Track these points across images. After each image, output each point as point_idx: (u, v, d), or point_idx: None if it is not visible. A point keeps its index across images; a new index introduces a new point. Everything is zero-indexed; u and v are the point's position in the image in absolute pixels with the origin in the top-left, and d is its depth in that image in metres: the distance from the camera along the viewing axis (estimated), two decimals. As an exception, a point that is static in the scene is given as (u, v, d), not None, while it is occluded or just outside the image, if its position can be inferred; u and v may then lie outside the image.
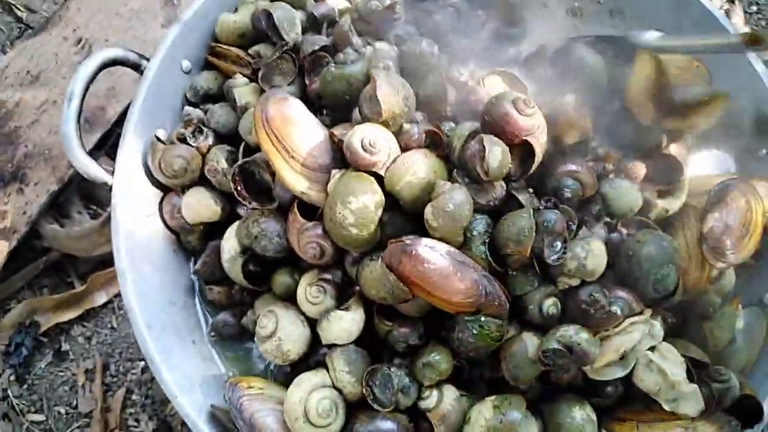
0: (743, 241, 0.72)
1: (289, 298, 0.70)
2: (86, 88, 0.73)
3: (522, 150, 0.64)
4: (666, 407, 0.63)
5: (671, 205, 0.72)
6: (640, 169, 0.69)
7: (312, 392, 0.64)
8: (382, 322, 0.65)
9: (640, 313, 0.64)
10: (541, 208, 0.63)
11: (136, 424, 1.16)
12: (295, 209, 0.66)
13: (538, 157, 0.63)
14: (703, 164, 0.77)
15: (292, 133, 0.66)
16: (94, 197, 1.23)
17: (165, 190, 0.77)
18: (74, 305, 1.18)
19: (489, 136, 0.60)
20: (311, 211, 0.67)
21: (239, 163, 0.70)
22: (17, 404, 1.15)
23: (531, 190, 0.66)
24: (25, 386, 1.16)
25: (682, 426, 0.63)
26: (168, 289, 0.75)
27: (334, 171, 0.65)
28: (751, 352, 0.73)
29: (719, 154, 0.77)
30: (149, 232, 0.75)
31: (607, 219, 0.69)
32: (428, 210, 0.60)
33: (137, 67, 0.77)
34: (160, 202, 0.77)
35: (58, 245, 1.16)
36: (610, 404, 0.67)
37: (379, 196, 0.62)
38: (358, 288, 0.67)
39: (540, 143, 0.63)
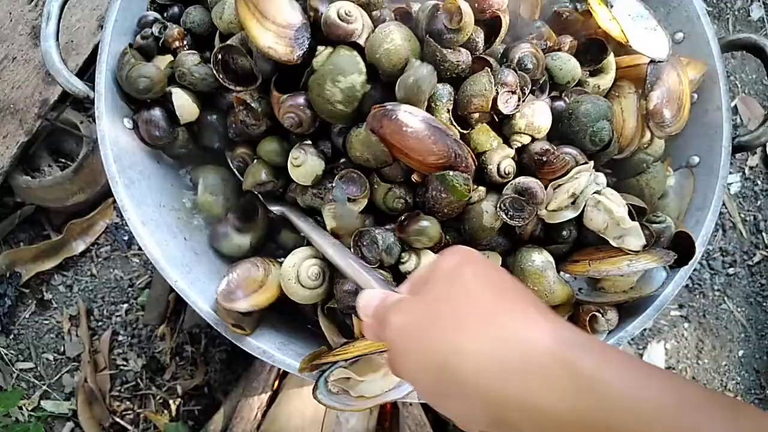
0: (680, 112, 0.82)
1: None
2: (62, 8, 0.77)
3: (487, 26, 0.73)
4: (613, 244, 0.72)
5: (602, 81, 0.81)
6: (572, 42, 0.79)
7: (305, 260, 0.71)
8: (383, 184, 0.72)
9: (585, 163, 0.73)
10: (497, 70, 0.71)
11: (125, 362, 1.20)
12: (272, 86, 0.73)
13: (504, 31, 0.72)
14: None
15: (267, 2, 0.71)
16: (62, 150, 1.26)
17: (137, 102, 0.81)
18: (53, 254, 1.21)
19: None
20: (290, 87, 0.73)
21: (218, 47, 0.75)
22: (5, 354, 1.18)
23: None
24: (11, 336, 1.19)
25: (627, 259, 0.72)
26: (156, 193, 0.80)
27: (320, 47, 0.71)
28: (682, 205, 0.84)
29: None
30: (132, 143, 0.80)
31: (552, 93, 0.78)
32: (397, 83, 0.68)
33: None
34: (134, 125, 0.81)
35: (31, 197, 1.19)
36: (567, 250, 0.76)
37: (364, 76, 0.69)
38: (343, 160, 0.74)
39: (506, 20, 0.72)
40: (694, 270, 1.40)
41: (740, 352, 1.38)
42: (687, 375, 1.34)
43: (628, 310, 0.77)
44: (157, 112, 0.80)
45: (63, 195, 1.19)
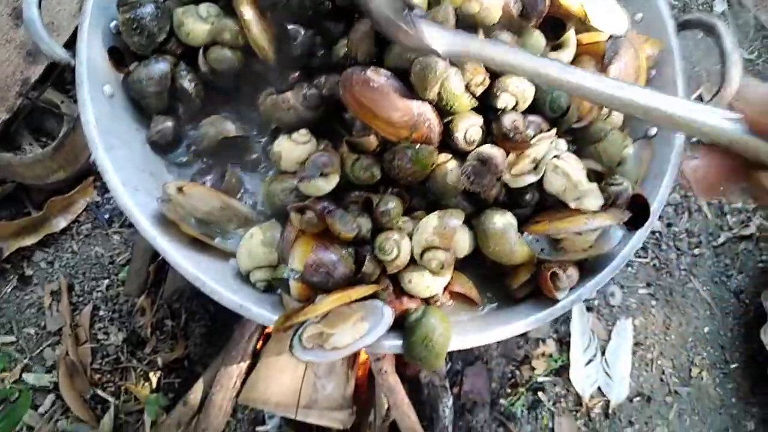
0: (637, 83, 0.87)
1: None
2: (43, -24, 0.80)
3: None
4: (572, 205, 0.76)
5: (562, 56, 0.85)
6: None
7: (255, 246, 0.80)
8: (351, 154, 0.76)
9: (548, 131, 0.77)
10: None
11: (105, 336, 1.22)
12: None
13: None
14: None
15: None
16: (43, 129, 1.28)
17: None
18: (34, 231, 1.23)
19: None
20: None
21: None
22: (-14, 328, 1.19)
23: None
24: (-7, 311, 1.21)
25: (585, 218, 0.76)
26: (135, 159, 0.83)
27: None
28: (639, 173, 0.88)
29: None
30: (112, 111, 0.83)
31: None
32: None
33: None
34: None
35: (12, 174, 1.21)
36: (530, 213, 0.80)
37: None
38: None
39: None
40: (661, 250, 1.45)
41: (706, 329, 1.43)
42: (655, 350, 1.39)
43: (588, 269, 0.81)
44: (169, 124, 0.86)
45: (43, 172, 1.21)
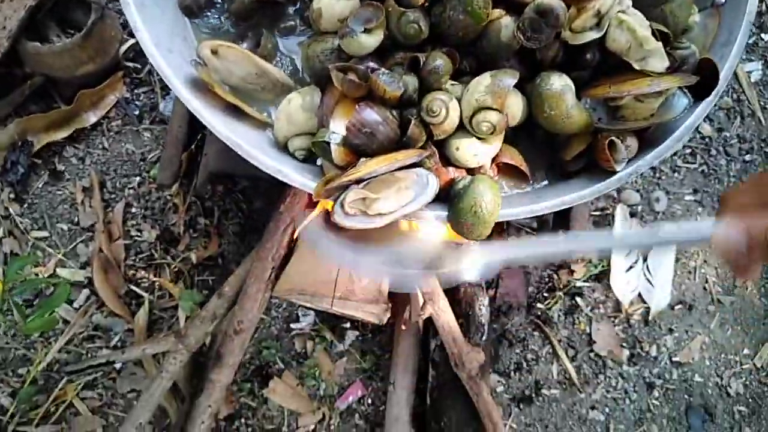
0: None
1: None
2: None
3: None
4: (636, 66, 0.71)
5: None
6: None
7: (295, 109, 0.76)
8: (397, 8, 0.70)
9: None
10: None
11: (138, 233, 1.21)
12: None
13: None
14: None
15: None
16: (70, 20, 1.24)
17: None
18: (65, 125, 1.20)
19: None
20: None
21: None
22: (20, 222, 1.19)
23: None
24: (25, 205, 1.20)
25: (649, 80, 0.70)
26: (167, 22, 0.78)
27: None
28: (706, 42, 0.81)
29: None
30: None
31: None
32: None
33: None
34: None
35: (40, 65, 1.17)
36: (589, 77, 0.74)
37: None
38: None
39: None
40: (710, 156, 1.38)
41: (752, 238, 1.37)
42: (698, 259, 1.34)
43: (649, 140, 0.76)
44: None
45: (72, 63, 1.17)
